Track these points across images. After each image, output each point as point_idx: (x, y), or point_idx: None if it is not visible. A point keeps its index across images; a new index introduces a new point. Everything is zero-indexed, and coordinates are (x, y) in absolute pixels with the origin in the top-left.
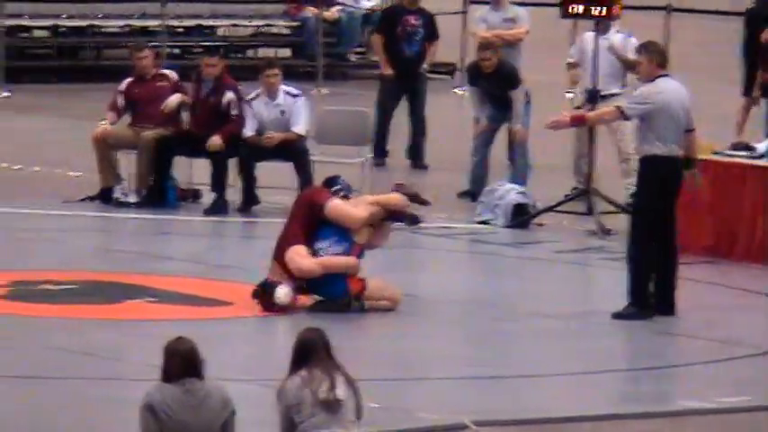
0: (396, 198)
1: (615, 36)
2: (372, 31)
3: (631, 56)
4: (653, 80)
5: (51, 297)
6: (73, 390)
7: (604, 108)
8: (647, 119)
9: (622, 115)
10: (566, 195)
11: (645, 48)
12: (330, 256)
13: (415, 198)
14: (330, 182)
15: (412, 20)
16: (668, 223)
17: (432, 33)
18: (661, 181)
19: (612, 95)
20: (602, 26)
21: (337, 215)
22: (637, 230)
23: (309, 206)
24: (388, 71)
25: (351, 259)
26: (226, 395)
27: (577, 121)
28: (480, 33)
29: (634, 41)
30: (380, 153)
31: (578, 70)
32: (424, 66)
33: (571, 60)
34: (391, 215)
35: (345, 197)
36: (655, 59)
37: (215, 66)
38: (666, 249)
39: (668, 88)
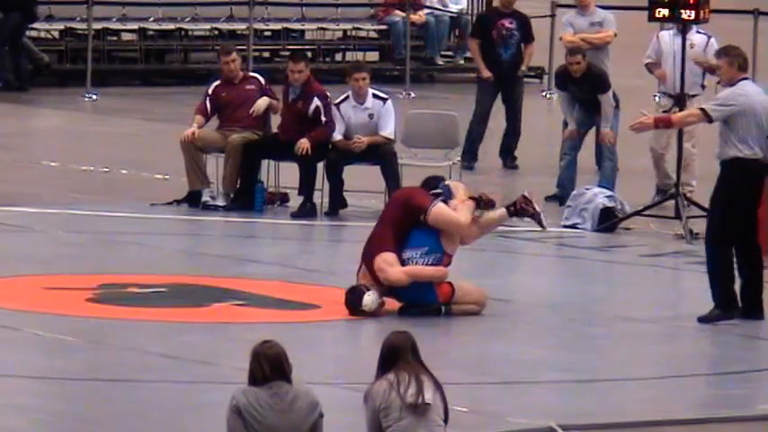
0: (462, 188)
1: (695, 36)
2: (463, 35)
3: (712, 59)
4: (735, 83)
5: (138, 300)
6: (160, 393)
7: (688, 110)
8: (730, 121)
9: (707, 117)
10: (654, 199)
11: (725, 52)
12: (419, 266)
13: (532, 216)
14: (431, 183)
15: (507, 23)
16: (748, 226)
17: (527, 36)
18: (741, 184)
19: (693, 96)
20: (677, 27)
21: (441, 221)
22: (712, 232)
23: (406, 208)
24: (487, 74)
25: (440, 269)
26: (314, 398)
27: (662, 123)
28: (567, 38)
29: (713, 43)
30: (471, 156)
31: (660, 70)
32: (522, 69)
33: (649, 61)
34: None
35: (444, 203)
36: (735, 63)
37: (301, 72)
38: (748, 252)
39: (751, 91)
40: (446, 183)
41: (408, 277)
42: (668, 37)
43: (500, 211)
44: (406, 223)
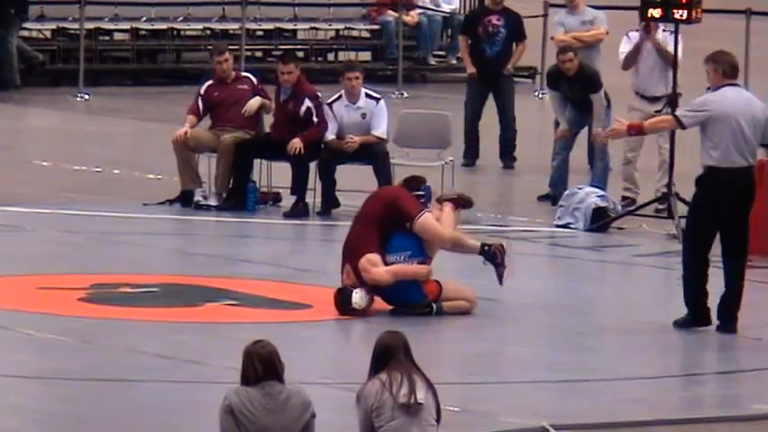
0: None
1: (661, 35)
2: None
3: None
4: (718, 90)
5: (131, 300)
6: (153, 392)
7: (662, 116)
8: (705, 128)
9: (679, 124)
10: (623, 199)
11: (712, 58)
12: (402, 265)
13: (497, 266)
14: (412, 184)
15: (494, 20)
16: (730, 236)
17: (517, 34)
18: (713, 193)
19: (660, 97)
20: (644, 27)
21: (426, 232)
22: (685, 240)
23: (391, 209)
24: (471, 71)
25: (423, 267)
26: (306, 398)
27: (634, 131)
28: (559, 37)
29: (669, 39)
30: (469, 154)
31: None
32: (508, 67)
33: (624, 56)
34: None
35: (424, 204)
36: (720, 70)
37: (291, 73)
38: (728, 264)
39: (730, 98)
40: (428, 185)
41: (392, 276)
42: (635, 37)
43: (474, 244)
44: (388, 224)
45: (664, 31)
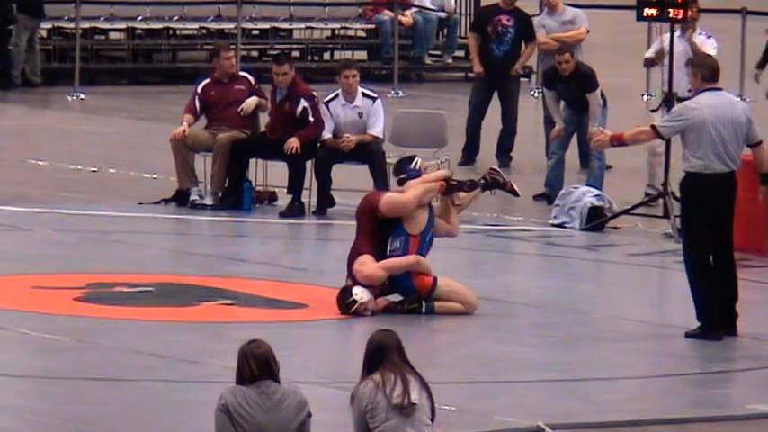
0: (440, 172)
1: (698, 38)
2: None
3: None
4: (698, 95)
5: (127, 299)
6: (148, 392)
7: (641, 128)
8: (684, 137)
9: (658, 135)
10: (646, 195)
11: (692, 62)
12: (392, 258)
13: (503, 186)
14: (401, 166)
15: (504, 20)
16: (719, 240)
17: (526, 35)
18: (696, 199)
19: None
20: (681, 27)
21: (390, 208)
22: (684, 249)
23: (370, 213)
24: (478, 70)
25: (411, 257)
26: (302, 397)
27: (616, 141)
28: (541, 39)
29: (713, 42)
30: (469, 152)
31: (659, 66)
32: (515, 67)
33: (648, 56)
34: (450, 189)
35: (402, 182)
36: (699, 75)
37: (286, 74)
38: (720, 266)
39: (707, 103)
40: (414, 166)
41: (384, 270)
42: (668, 38)
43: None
44: (374, 227)
45: (700, 34)
